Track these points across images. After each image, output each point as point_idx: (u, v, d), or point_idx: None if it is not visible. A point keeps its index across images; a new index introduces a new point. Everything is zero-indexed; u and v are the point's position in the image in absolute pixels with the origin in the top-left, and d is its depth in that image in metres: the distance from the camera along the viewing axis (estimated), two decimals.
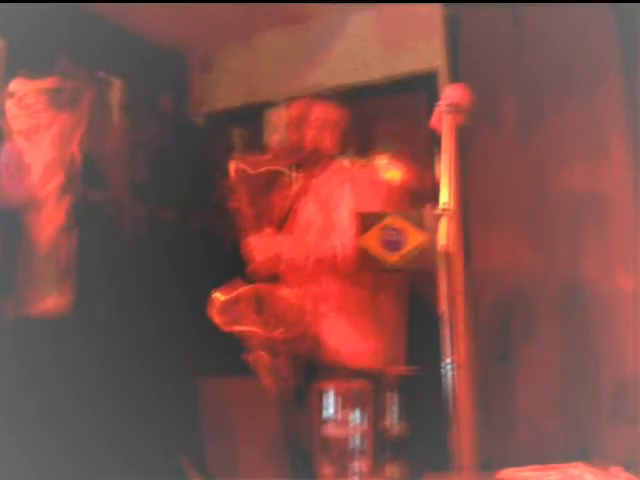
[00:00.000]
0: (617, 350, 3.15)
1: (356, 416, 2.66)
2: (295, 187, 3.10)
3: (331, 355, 2.90)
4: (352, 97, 3.67)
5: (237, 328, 2.84)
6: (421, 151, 3.33)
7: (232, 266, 3.02)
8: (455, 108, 2.63)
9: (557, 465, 2.65)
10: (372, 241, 2.59)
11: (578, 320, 3.26)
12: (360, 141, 3.20)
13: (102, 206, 3.72)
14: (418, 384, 2.84)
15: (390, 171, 3.01)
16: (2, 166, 3.32)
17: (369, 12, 4.10)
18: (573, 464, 2.64)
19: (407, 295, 3.05)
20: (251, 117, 4.25)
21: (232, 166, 3.07)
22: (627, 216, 3.18)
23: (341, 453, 2.65)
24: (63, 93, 3.46)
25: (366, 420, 2.67)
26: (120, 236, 3.97)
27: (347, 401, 2.68)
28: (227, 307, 2.86)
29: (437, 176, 2.48)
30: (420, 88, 3.86)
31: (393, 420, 2.82)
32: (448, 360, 2.34)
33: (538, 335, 3.29)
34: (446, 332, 2.34)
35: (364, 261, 2.65)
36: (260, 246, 3.00)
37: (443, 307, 2.36)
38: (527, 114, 3.42)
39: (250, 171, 3.05)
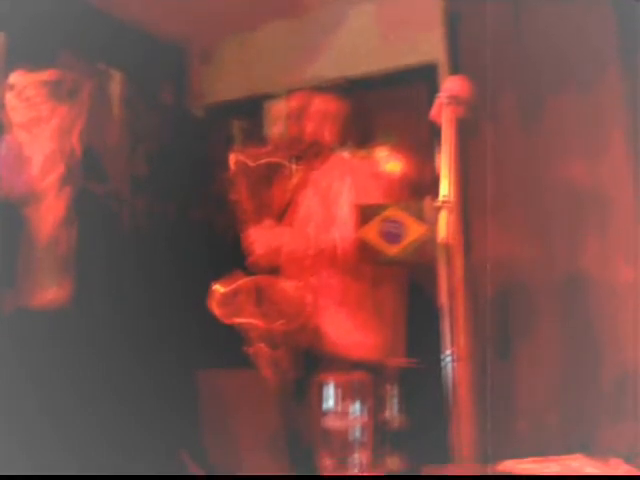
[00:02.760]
0: (617, 343, 3.15)
1: (356, 408, 2.67)
2: (295, 179, 3.11)
3: (331, 347, 2.90)
4: (352, 89, 3.66)
5: (237, 320, 2.85)
6: (421, 143, 3.33)
7: (232, 258, 3.02)
8: (455, 100, 2.63)
9: (557, 457, 2.65)
10: (372, 233, 2.59)
11: (578, 313, 3.26)
12: (360, 133, 3.20)
13: (102, 199, 3.71)
14: (418, 376, 2.84)
15: (390, 163, 3.01)
16: (2, 158, 3.32)
17: (369, 4, 4.10)
18: (573, 456, 2.65)
19: (407, 287, 3.06)
20: (251, 109, 4.26)
21: (232, 158, 3.07)
22: (627, 209, 3.18)
23: (341, 445, 2.66)
24: (63, 85, 3.45)
25: (366, 412, 2.68)
26: (120, 228, 3.97)
27: (347, 393, 2.69)
28: (227, 299, 2.86)
29: (437, 168, 2.49)
30: (420, 80, 3.86)
31: (393, 412, 2.83)
32: (448, 352, 2.35)
33: (538, 328, 3.30)
34: (446, 325, 2.35)
35: (364, 253, 2.66)
36: (260, 238, 3.01)
37: (443, 299, 2.37)
38: (527, 106, 3.41)
39: (250, 163, 3.05)
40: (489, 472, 2.53)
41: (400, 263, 2.72)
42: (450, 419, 2.37)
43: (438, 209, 2.37)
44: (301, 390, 2.89)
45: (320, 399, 2.74)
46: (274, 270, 2.99)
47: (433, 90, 2.88)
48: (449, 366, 2.36)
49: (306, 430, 2.86)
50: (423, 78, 3.82)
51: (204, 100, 4.68)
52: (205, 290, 2.88)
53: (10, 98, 3.36)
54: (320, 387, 2.74)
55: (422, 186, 2.83)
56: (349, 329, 2.93)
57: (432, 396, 2.62)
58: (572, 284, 3.28)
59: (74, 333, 3.27)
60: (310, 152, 3.11)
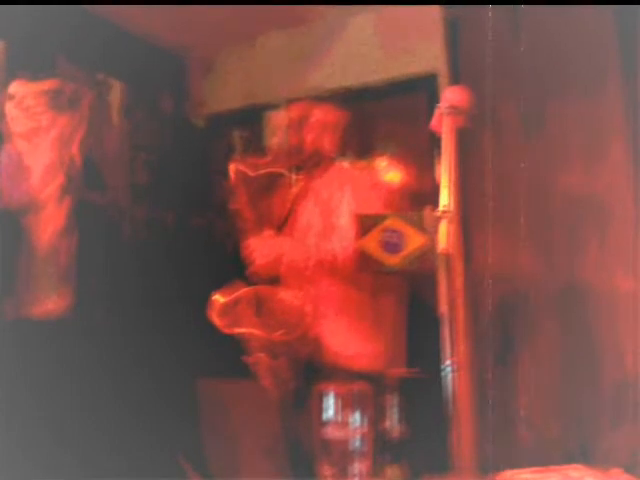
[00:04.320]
0: (617, 352, 3.15)
1: (356, 418, 2.67)
2: (295, 189, 3.11)
3: (331, 357, 2.90)
4: (352, 99, 3.67)
5: (237, 330, 2.85)
6: (421, 153, 3.33)
7: (232, 268, 3.03)
8: (455, 110, 2.64)
9: (557, 467, 2.65)
10: (372, 243, 2.59)
11: (578, 321, 3.25)
12: (360, 143, 3.21)
13: (102, 208, 3.71)
14: (418, 386, 2.84)
15: (390, 173, 3.01)
16: (2, 168, 3.32)
17: (369, 14, 4.10)
18: (573, 466, 2.65)
19: (407, 297, 3.06)
20: (251, 119, 4.26)
21: (232, 168, 3.08)
22: (627, 218, 3.18)
23: (341, 455, 2.66)
24: (63, 95, 3.46)
25: (366, 422, 2.68)
26: (120, 238, 3.97)
27: (347, 403, 2.69)
28: (227, 309, 2.86)
29: (437, 178, 2.49)
30: (420, 90, 3.86)
31: (393, 422, 2.83)
32: (448, 362, 2.35)
33: (538, 337, 3.29)
34: (446, 334, 2.35)
35: (364, 263, 2.66)
36: (260, 248, 3.01)
37: (443, 309, 2.37)
38: (527, 116, 3.42)
39: (250, 173, 3.06)
40: None
41: (400, 273, 2.72)
42: (450, 429, 2.36)
43: (438, 219, 2.37)
44: (301, 400, 2.88)
45: (320, 409, 2.74)
46: (274, 280, 2.99)
47: (433, 100, 2.88)
48: (449, 376, 2.35)
49: (306, 440, 2.86)
50: (423, 88, 3.82)
51: (204, 110, 4.69)
52: (205, 300, 2.88)
53: (10, 108, 3.37)
54: (320, 397, 2.75)
55: (422, 196, 2.83)
56: (349, 339, 2.93)
57: (432, 406, 2.61)
58: (572, 293, 3.28)
59: (74, 342, 3.27)
60: (310, 162, 3.12)
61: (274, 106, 3.49)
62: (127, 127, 4.25)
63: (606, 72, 3.28)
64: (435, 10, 3.81)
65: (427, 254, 2.52)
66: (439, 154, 2.53)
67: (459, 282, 2.37)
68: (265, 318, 2.87)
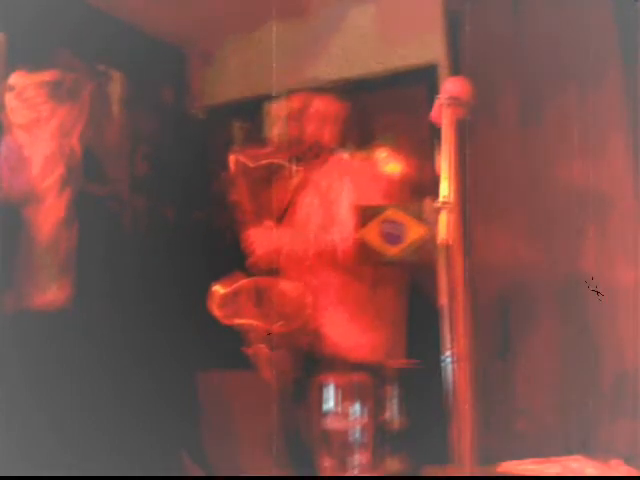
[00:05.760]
0: (617, 344, 3.15)
1: (356, 409, 2.67)
2: (295, 180, 3.11)
3: (331, 348, 2.90)
4: (352, 90, 3.66)
5: (237, 321, 2.85)
6: (421, 144, 3.33)
7: (232, 259, 3.02)
8: (455, 101, 2.63)
9: (557, 458, 2.65)
10: (372, 234, 2.59)
11: (578, 314, 3.25)
12: (360, 134, 3.20)
13: (102, 199, 3.71)
14: (418, 377, 2.84)
15: (390, 164, 3.00)
16: (2, 159, 3.31)
17: (368, 5, 4.09)
18: (573, 457, 2.65)
19: (407, 288, 3.05)
20: (251, 110, 4.24)
21: (232, 159, 3.07)
22: (627, 210, 3.18)
23: (341, 446, 2.66)
24: (63, 86, 3.45)
25: (366, 413, 2.68)
26: (120, 229, 3.97)
27: (347, 394, 2.69)
28: (227, 300, 2.86)
29: (437, 169, 2.48)
30: (420, 81, 3.85)
31: (393, 413, 2.83)
32: (448, 353, 2.35)
33: (538, 328, 3.29)
34: (446, 325, 2.35)
35: (364, 254, 2.66)
36: (260, 239, 3.01)
37: (443, 300, 2.37)
38: (527, 107, 3.41)
39: (250, 164, 3.06)
40: (489, 473, 2.54)
41: (400, 264, 2.72)
42: (450, 420, 2.36)
43: (438, 210, 2.36)
44: (301, 391, 2.89)
45: (320, 400, 2.74)
46: (274, 271, 2.99)
47: (433, 91, 2.87)
48: (449, 367, 2.35)
49: (306, 431, 2.86)
50: (423, 79, 3.81)
51: (204, 101, 4.68)
52: (205, 291, 2.88)
53: (10, 99, 3.36)
54: (320, 388, 2.75)
55: (422, 187, 2.83)
56: (349, 330, 2.93)
57: (432, 397, 2.61)
58: (572, 285, 3.28)
59: (74, 334, 3.27)
60: (310, 153, 3.11)
61: (274, 97, 3.48)
62: (127, 118, 4.24)
63: (606, 62, 3.27)
64: (435, 1, 3.80)
65: (427, 245, 2.52)
66: (439, 145, 2.52)
67: (459, 273, 2.37)
68: (265, 309, 2.87)
